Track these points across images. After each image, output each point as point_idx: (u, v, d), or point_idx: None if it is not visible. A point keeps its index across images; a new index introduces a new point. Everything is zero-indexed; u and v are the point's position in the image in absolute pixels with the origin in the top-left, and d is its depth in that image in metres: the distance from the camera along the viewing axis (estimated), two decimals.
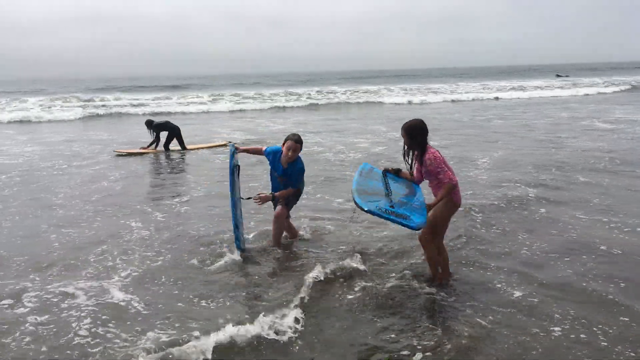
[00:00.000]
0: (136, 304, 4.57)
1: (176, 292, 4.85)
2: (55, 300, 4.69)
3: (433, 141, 4.84)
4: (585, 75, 67.26)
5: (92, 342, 3.94)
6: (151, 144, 13.68)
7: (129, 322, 4.24)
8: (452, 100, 34.92)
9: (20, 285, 5.00)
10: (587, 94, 37.02)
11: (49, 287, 4.95)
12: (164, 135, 13.92)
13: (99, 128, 21.37)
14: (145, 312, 4.43)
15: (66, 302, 4.62)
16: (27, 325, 4.21)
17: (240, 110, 29.71)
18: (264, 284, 4.95)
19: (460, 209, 4.85)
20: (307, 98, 36.05)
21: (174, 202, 8.27)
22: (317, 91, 41.02)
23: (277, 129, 18.75)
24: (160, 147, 13.82)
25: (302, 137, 5.76)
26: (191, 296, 4.73)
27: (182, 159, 12.87)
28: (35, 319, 4.34)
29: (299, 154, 5.75)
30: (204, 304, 4.56)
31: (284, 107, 31.59)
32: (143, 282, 5.06)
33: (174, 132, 13.89)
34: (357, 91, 41.01)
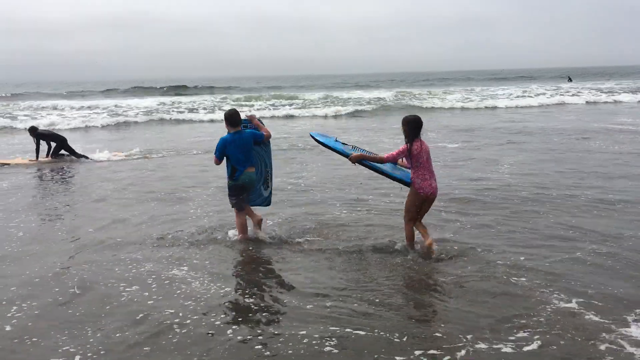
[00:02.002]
0: None
1: None
2: None
3: None
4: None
5: None
6: (38, 153, 13.34)
7: None
8: (587, 102, 31.76)
9: None
10: None
11: None
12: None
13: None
14: None
15: None
16: None
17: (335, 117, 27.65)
18: None
19: None
20: (379, 101, 34.69)
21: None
22: (396, 93, 39.95)
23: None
24: (42, 157, 13.42)
25: None
26: None
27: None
28: None
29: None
30: None
31: (362, 110, 29.25)
32: None
33: (61, 143, 13.64)
34: (417, 94, 39.54)
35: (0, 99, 43.63)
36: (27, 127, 14.03)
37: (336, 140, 6.12)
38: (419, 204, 5.59)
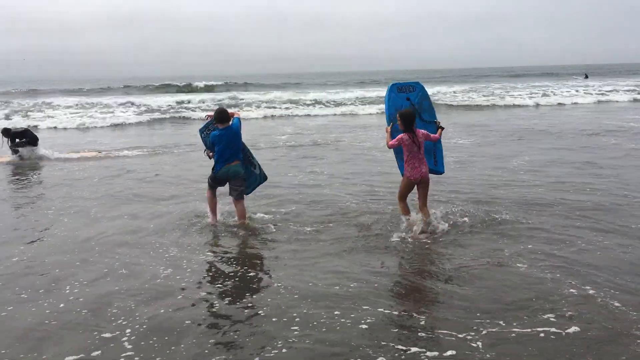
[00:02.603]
0: None
1: None
2: None
3: None
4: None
5: None
6: (14, 152, 13.45)
7: None
8: None
9: None
10: None
11: None
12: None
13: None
14: None
15: None
16: None
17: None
18: None
19: None
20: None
21: None
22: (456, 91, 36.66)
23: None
24: (14, 157, 13.46)
25: None
26: None
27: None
28: None
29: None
30: None
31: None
32: None
33: (33, 142, 13.63)
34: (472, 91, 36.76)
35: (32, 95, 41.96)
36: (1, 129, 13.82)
37: (408, 100, 6.77)
38: (411, 188, 6.42)
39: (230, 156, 6.71)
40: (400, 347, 3.74)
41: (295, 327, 4.05)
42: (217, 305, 4.55)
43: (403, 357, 3.63)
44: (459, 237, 6.08)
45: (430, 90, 35.89)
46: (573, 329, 3.92)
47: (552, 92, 35.28)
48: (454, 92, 36.77)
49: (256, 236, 6.49)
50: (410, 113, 6.29)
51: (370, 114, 25.96)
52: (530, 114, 23.57)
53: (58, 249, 6.13)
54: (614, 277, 4.83)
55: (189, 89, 47.60)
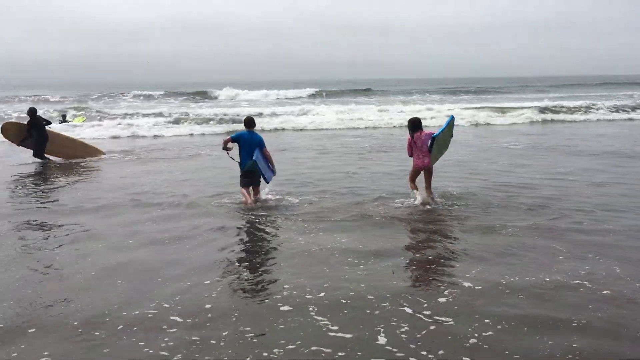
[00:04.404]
0: None
1: None
2: None
3: None
4: None
5: None
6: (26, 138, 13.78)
7: None
8: None
9: None
10: None
11: None
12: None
13: None
14: None
15: None
16: None
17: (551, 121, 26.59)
18: None
19: None
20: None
21: None
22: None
23: None
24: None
25: None
26: None
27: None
28: None
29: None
30: None
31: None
32: None
33: (41, 142, 13.87)
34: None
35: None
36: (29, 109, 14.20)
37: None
38: (417, 173, 8.72)
39: (247, 155, 8.57)
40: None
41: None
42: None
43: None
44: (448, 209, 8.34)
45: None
46: None
47: None
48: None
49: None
50: (412, 120, 8.68)
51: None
52: None
53: None
54: None
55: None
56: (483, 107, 30.17)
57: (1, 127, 14.20)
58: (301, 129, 23.88)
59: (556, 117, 27.67)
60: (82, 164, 13.85)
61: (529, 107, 28.94)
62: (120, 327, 4.42)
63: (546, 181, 10.38)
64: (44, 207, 9.02)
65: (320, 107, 30.77)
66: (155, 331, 4.33)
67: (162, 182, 10.87)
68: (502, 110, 28.86)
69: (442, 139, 8.71)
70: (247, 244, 6.91)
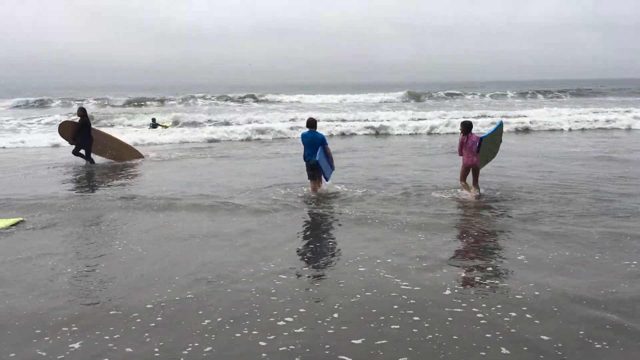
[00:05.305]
0: None
1: None
2: None
3: None
4: None
5: None
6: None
7: None
8: None
9: None
10: None
11: None
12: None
13: None
14: None
15: None
16: None
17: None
18: None
19: None
20: None
21: None
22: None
23: None
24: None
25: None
26: None
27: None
28: None
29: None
30: None
31: None
32: None
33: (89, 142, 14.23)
34: None
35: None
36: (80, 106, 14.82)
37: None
38: (467, 170, 9.64)
39: (313, 151, 9.64)
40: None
41: None
42: None
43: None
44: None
45: None
46: None
47: None
48: None
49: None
50: (466, 123, 9.62)
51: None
52: None
53: None
54: None
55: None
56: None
57: (59, 126, 15.07)
58: None
59: None
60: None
61: None
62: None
63: None
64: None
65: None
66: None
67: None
68: None
69: (490, 142, 9.57)
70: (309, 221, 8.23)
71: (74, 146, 14.24)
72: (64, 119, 15.04)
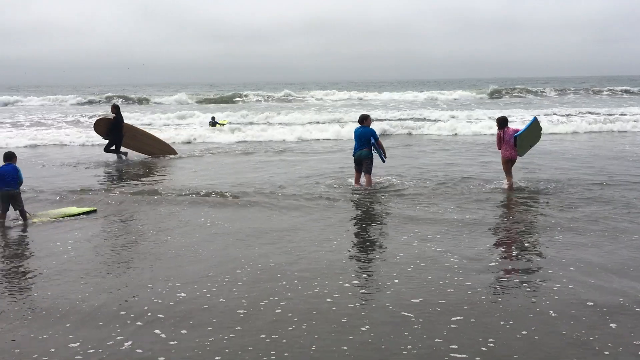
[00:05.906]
0: None
1: None
2: None
3: None
4: None
5: None
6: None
7: None
8: None
9: None
10: None
11: None
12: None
13: None
14: None
15: None
16: None
17: None
18: None
19: None
20: None
21: None
22: None
23: None
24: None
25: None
26: None
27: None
28: None
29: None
30: None
31: None
32: None
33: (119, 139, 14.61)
34: None
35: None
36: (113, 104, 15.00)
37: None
38: (506, 162, 10.12)
39: (361, 145, 10.22)
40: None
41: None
42: None
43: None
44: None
45: None
46: None
47: None
48: None
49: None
50: (502, 118, 10.24)
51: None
52: None
53: None
54: None
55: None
56: None
57: (94, 123, 15.40)
58: None
59: None
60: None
61: None
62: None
63: None
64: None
65: None
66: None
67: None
68: None
69: (525, 137, 9.93)
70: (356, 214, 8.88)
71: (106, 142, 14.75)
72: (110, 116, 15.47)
